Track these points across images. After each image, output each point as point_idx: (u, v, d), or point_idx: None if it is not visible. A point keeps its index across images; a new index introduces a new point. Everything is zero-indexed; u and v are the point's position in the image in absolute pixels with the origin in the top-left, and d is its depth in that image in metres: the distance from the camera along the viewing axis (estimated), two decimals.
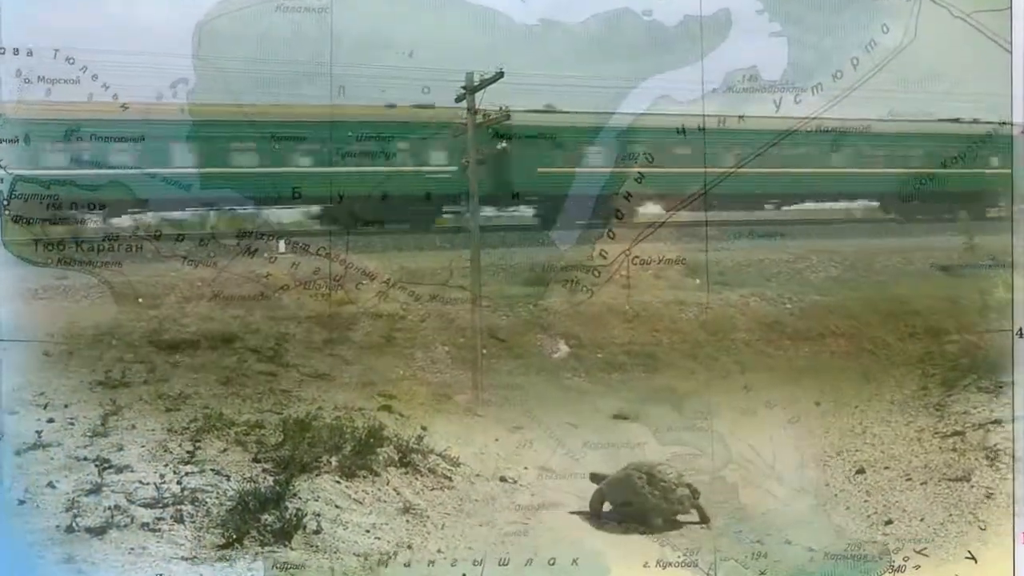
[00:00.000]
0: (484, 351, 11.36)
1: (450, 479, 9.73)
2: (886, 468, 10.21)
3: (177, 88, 10.82)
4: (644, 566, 9.18)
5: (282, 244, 10.85)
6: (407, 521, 9.12)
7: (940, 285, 11.82)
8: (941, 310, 11.68)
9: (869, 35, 10.97)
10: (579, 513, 9.83)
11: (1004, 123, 10.87)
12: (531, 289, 11.91)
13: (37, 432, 9.29)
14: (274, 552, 8.43)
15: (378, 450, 9.63)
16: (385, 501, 9.28)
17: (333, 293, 10.75)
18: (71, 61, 10.01)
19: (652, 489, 9.70)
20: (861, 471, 10.19)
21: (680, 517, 9.75)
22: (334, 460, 9.43)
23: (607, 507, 9.87)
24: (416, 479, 9.60)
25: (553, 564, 9.03)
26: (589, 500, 9.91)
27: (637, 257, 11.12)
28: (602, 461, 10.11)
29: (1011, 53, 10.35)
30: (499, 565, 8.93)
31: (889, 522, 9.49)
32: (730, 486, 10.15)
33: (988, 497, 9.56)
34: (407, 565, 8.67)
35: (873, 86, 11.09)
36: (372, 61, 11.51)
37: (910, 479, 10.04)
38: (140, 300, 11.02)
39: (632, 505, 9.74)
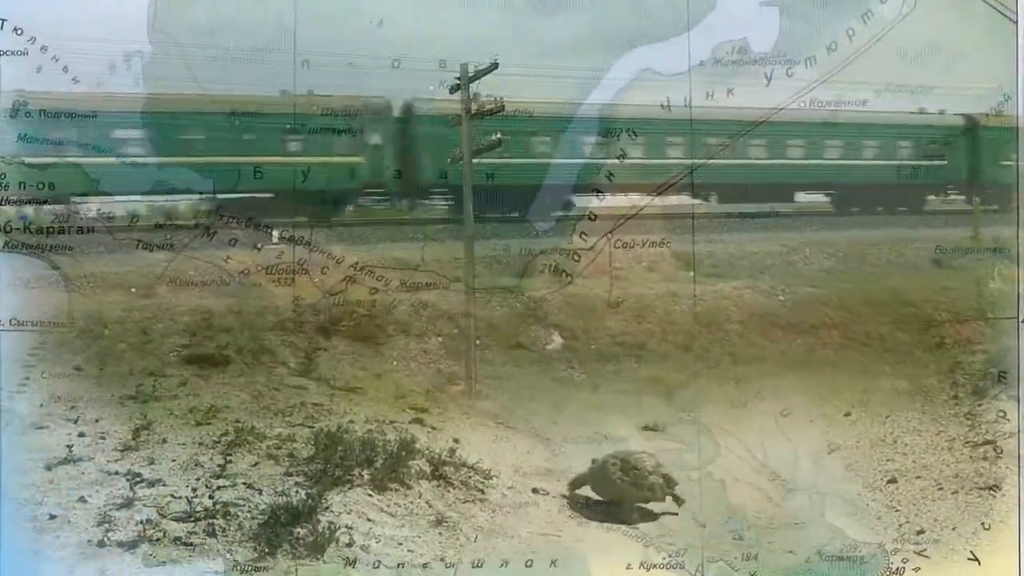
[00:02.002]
0: (478, 342, 11.22)
1: (483, 492, 9.75)
2: (918, 478, 10.26)
3: (131, 61, 10.40)
4: (627, 568, 9.22)
5: (275, 234, 10.59)
6: (440, 534, 9.15)
7: (939, 277, 11.74)
8: (937, 301, 11.64)
9: (866, 5, 10.58)
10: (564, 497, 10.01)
11: (988, 115, 10.88)
12: (510, 276, 11.60)
13: (68, 447, 9.27)
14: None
15: (410, 463, 9.63)
16: (417, 514, 9.29)
17: (297, 278, 10.43)
18: (19, 32, 9.62)
19: (623, 476, 9.85)
20: (893, 480, 10.23)
21: (654, 506, 9.87)
22: (366, 473, 9.42)
23: (588, 492, 10.02)
24: (448, 492, 9.60)
25: (531, 566, 9.09)
26: (568, 484, 10.10)
27: (619, 240, 10.87)
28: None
29: (1017, 23, 10.16)
30: (473, 567, 8.97)
31: (921, 531, 9.58)
32: (718, 483, 10.19)
33: (994, 497, 9.63)
34: (375, 567, 8.68)
35: (869, 59, 10.74)
36: (339, 33, 10.96)
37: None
38: (133, 289, 10.84)
39: (606, 491, 9.91)
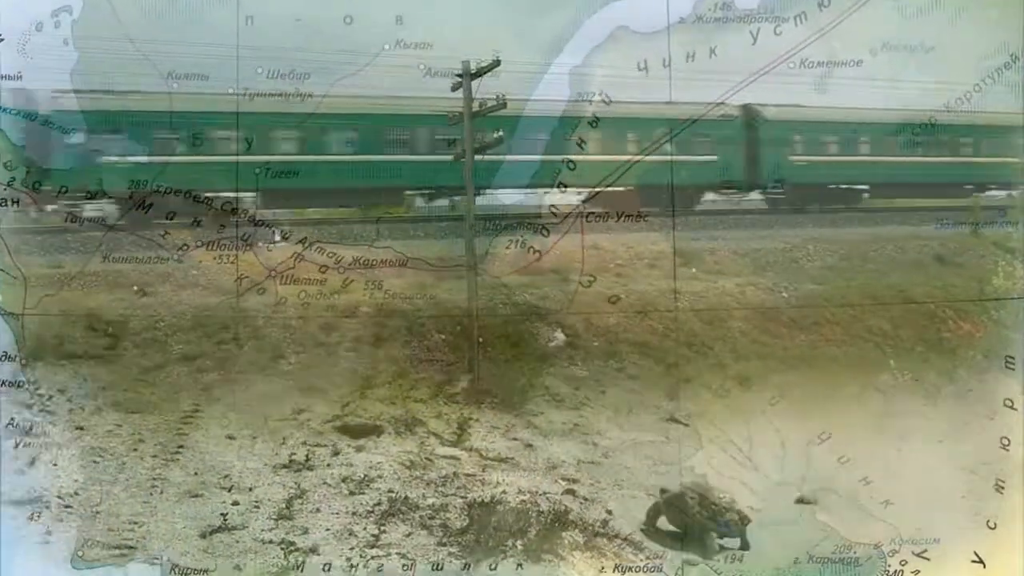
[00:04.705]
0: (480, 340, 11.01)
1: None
2: None
3: (59, 18, 9.81)
4: (600, 571, 9.18)
5: (278, 234, 10.46)
6: None
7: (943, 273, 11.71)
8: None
9: None
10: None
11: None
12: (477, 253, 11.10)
13: (222, 515, 9.35)
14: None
15: (563, 534, 9.59)
16: None
17: (241, 255, 10.18)
18: None
19: (701, 509, 9.84)
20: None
21: (724, 541, 9.80)
22: (519, 544, 9.44)
23: (664, 523, 9.94)
24: (602, 562, 9.54)
25: (494, 569, 9.06)
26: (646, 512, 10.01)
27: (592, 213, 10.54)
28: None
29: None
30: (433, 570, 8.99)
31: None
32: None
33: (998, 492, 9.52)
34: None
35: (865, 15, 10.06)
36: None
37: None
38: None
39: (680, 521, 9.85)
